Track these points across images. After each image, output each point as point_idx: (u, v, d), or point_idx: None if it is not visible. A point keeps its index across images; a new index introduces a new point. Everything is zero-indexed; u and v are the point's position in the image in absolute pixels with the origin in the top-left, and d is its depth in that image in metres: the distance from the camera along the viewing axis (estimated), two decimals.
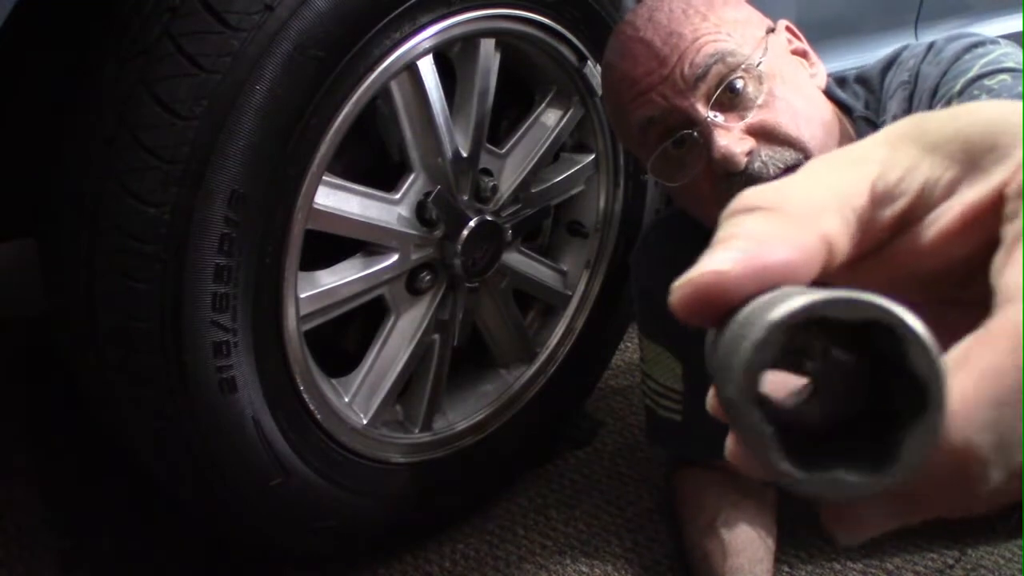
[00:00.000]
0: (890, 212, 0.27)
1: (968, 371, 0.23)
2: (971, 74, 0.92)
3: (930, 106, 0.95)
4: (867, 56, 1.72)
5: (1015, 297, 0.23)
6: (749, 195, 0.27)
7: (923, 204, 0.27)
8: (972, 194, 0.26)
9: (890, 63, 1.07)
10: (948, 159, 0.26)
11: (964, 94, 0.91)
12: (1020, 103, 0.27)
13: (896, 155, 0.27)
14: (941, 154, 0.26)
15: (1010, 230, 0.25)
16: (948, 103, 0.92)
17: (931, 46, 1.01)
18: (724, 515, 1.17)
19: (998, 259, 0.25)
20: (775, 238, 0.26)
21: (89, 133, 0.92)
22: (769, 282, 0.25)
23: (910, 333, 0.21)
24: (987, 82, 0.90)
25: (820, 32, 1.16)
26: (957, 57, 0.96)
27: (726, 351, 0.24)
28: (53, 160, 0.96)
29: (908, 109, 0.99)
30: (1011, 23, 2.00)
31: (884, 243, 0.27)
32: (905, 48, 1.07)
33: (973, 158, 0.26)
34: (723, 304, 0.26)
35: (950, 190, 0.26)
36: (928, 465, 0.22)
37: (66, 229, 0.94)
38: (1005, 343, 0.22)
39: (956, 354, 0.23)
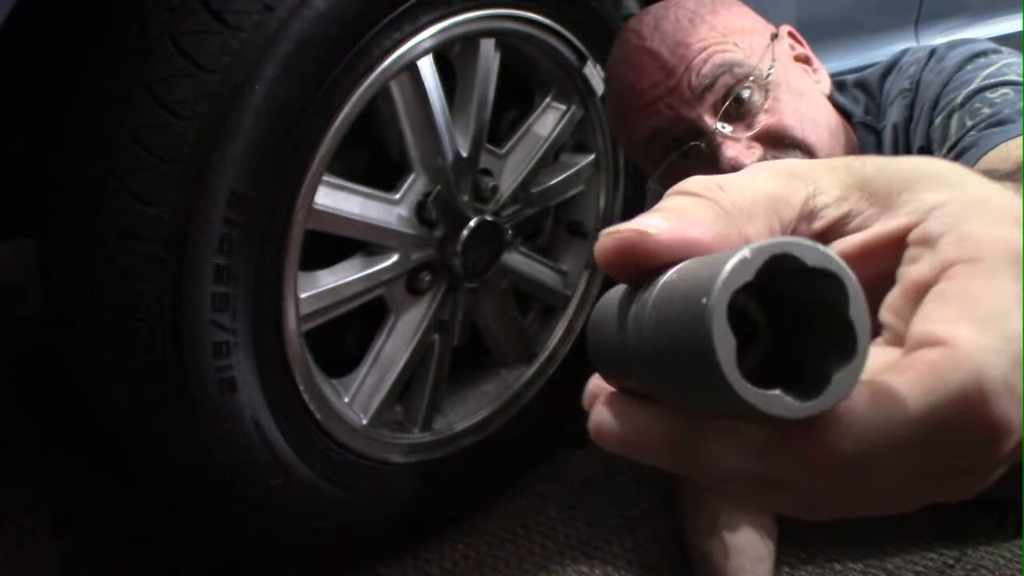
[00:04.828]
0: (808, 228, 0.30)
1: (870, 388, 0.25)
2: (973, 86, 0.91)
3: (931, 116, 0.94)
4: (867, 56, 1.73)
5: (927, 342, 0.25)
6: (694, 181, 0.30)
7: (839, 230, 0.29)
8: (878, 228, 0.28)
9: (889, 68, 1.06)
10: (872, 196, 0.29)
11: (966, 106, 0.90)
12: (956, 164, 0.29)
13: (832, 180, 0.29)
14: (869, 190, 0.29)
15: (909, 272, 0.27)
16: (950, 115, 0.92)
17: (932, 52, 1.00)
18: (725, 515, 1.17)
19: (893, 297, 0.27)
20: (702, 222, 0.28)
21: (89, 133, 0.92)
22: (687, 255, 0.27)
23: (852, 285, 0.24)
24: (989, 95, 0.90)
25: (820, 32, 1.15)
26: (959, 67, 0.95)
27: (675, 294, 0.26)
28: (53, 160, 0.95)
29: (909, 117, 0.98)
30: (1011, 23, 2.00)
31: None
32: (905, 53, 1.06)
33: (891, 199, 0.28)
34: (639, 262, 0.28)
35: (865, 224, 0.29)
36: (804, 459, 0.25)
37: (66, 229, 0.94)
38: (910, 375, 0.25)
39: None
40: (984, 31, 1.95)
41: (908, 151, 0.98)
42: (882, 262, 0.28)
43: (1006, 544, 1.25)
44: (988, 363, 0.24)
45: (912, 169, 0.28)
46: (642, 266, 0.28)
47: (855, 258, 0.28)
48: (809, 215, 0.29)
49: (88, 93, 0.93)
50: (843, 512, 0.29)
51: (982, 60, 0.95)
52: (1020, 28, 1.96)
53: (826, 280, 0.24)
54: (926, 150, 0.94)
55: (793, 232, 0.29)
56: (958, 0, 1.96)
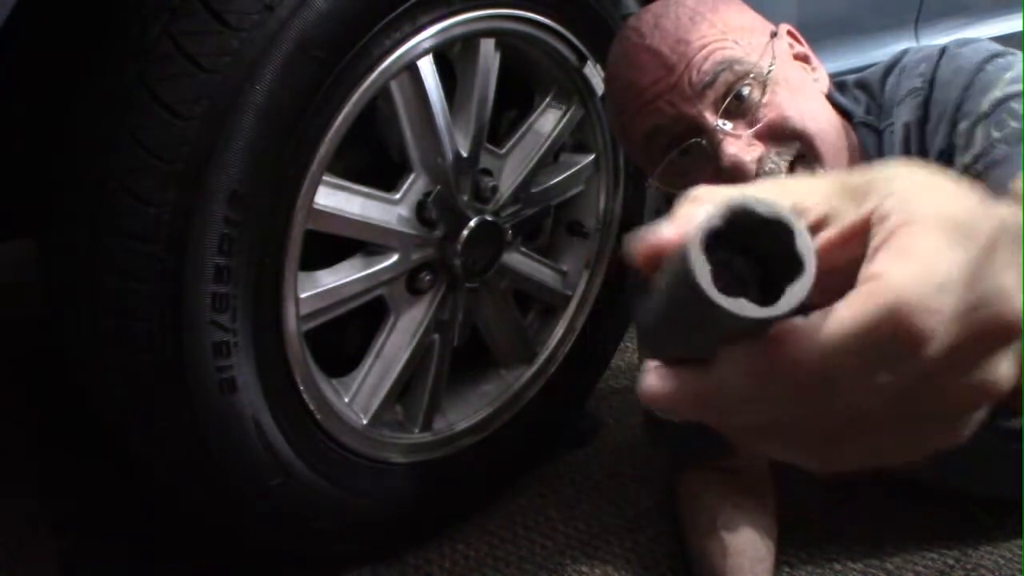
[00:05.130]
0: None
1: (825, 314, 0.33)
2: (997, 93, 0.91)
3: (955, 118, 0.94)
4: (867, 57, 1.72)
5: (869, 278, 0.33)
6: (696, 191, 0.38)
7: (824, 225, 0.36)
8: (850, 217, 0.35)
9: (890, 68, 1.06)
10: (852, 198, 0.36)
11: (992, 116, 0.90)
12: (912, 162, 0.37)
13: (817, 188, 0.37)
14: (850, 194, 0.36)
15: (873, 244, 0.34)
16: (975, 123, 0.92)
17: (943, 51, 0.99)
18: (724, 515, 1.17)
19: (863, 268, 0.34)
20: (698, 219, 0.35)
21: (89, 133, 0.92)
22: None
23: (798, 228, 0.32)
24: (1014, 105, 0.90)
25: (820, 32, 1.16)
26: (979, 68, 0.95)
27: (671, 261, 0.34)
28: (53, 160, 0.96)
29: (923, 117, 0.97)
30: (1011, 23, 2.00)
31: None
32: (905, 53, 1.06)
33: (865, 196, 0.35)
34: (659, 258, 0.36)
35: (846, 218, 0.36)
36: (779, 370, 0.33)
37: (66, 229, 0.94)
38: (854, 301, 0.32)
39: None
40: (984, 31, 1.95)
41: (924, 152, 0.97)
42: (859, 244, 0.35)
43: (1006, 544, 1.25)
44: (911, 288, 0.32)
45: (881, 172, 0.36)
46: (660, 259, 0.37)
47: (838, 244, 0.35)
48: (799, 214, 0.35)
49: (88, 93, 0.93)
50: (841, 456, 0.36)
51: (1000, 61, 0.95)
52: (1020, 28, 1.96)
53: (779, 226, 0.32)
54: (946, 154, 0.94)
55: None
56: (958, 0, 1.97)
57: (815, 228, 0.36)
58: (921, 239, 0.33)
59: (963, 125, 0.92)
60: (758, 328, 0.32)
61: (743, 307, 0.31)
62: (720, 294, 0.31)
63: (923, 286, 0.32)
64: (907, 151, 0.98)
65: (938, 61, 0.99)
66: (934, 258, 0.32)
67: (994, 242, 0.34)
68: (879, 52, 1.77)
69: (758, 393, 0.34)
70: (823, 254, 0.34)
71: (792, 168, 0.94)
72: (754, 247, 0.33)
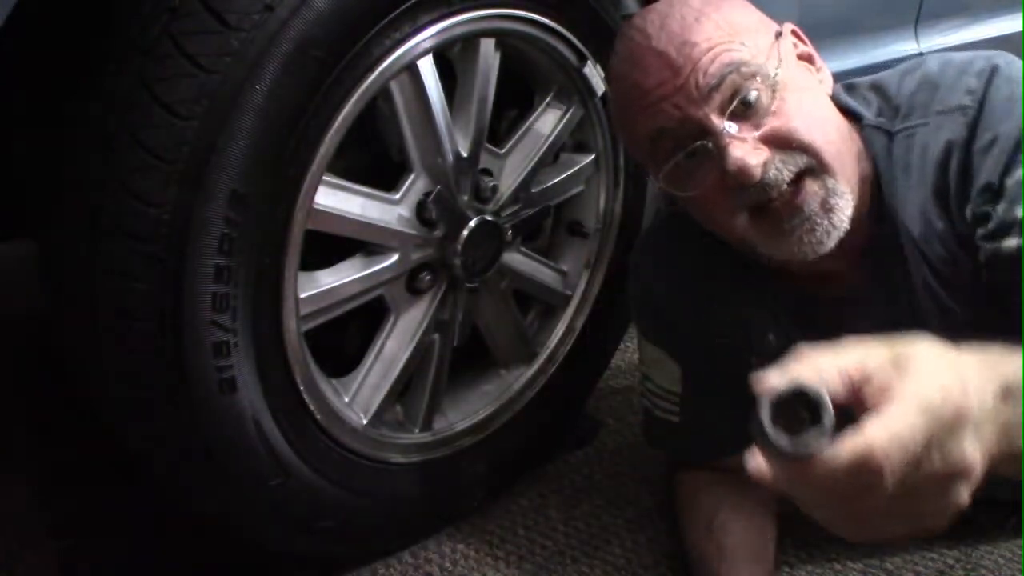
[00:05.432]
0: (859, 376, 0.58)
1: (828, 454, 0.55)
2: None
3: (1011, 160, 0.91)
4: (867, 56, 1.72)
5: (861, 431, 0.55)
6: (805, 355, 0.59)
7: (871, 377, 0.58)
8: (882, 380, 0.57)
9: (908, 72, 1.04)
10: (892, 365, 0.58)
11: None
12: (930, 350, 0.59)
13: (876, 355, 0.58)
14: (893, 361, 0.58)
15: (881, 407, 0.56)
16: None
17: (995, 69, 0.95)
18: (722, 516, 1.17)
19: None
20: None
21: (89, 133, 0.92)
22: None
23: (824, 402, 0.55)
24: None
25: (820, 32, 1.15)
26: None
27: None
28: (53, 160, 0.96)
29: (970, 137, 0.94)
30: (1011, 23, 2.00)
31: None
32: (925, 59, 1.03)
33: (897, 365, 0.58)
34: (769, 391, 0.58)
35: (884, 377, 0.57)
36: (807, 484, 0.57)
37: (66, 229, 0.94)
38: (845, 445, 0.55)
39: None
40: (984, 31, 1.95)
41: (967, 175, 0.95)
42: (882, 402, 0.57)
43: (1006, 544, 1.25)
44: (878, 442, 0.54)
45: (912, 353, 0.58)
46: None
47: (879, 397, 0.56)
48: (860, 369, 0.58)
49: (88, 93, 0.93)
50: (861, 532, 0.60)
51: None
52: (1020, 28, 1.96)
53: (818, 402, 0.55)
54: (993, 189, 0.92)
55: (848, 378, 0.58)
56: (958, 0, 1.96)
57: (867, 379, 0.57)
58: (899, 411, 0.55)
59: (1020, 173, 0.91)
60: (793, 453, 0.55)
61: (779, 440, 0.55)
62: (772, 427, 0.55)
63: (887, 441, 0.53)
64: (945, 169, 0.96)
65: (989, 80, 0.95)
66: (902, 425, 0.54)
67: (958, 419, 0.55)
68: (879, 52, 1.77)
69: (791, 490, 0.58)
70: (866, 402, 0.57)
71: (801, 179, 0.93)
72: (811, 403, 0.55)
